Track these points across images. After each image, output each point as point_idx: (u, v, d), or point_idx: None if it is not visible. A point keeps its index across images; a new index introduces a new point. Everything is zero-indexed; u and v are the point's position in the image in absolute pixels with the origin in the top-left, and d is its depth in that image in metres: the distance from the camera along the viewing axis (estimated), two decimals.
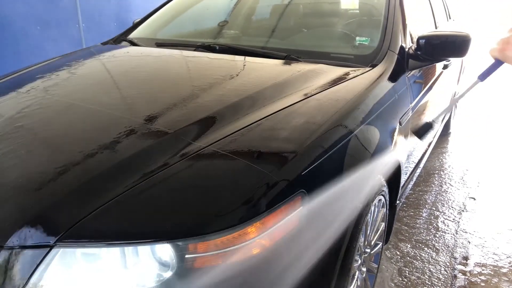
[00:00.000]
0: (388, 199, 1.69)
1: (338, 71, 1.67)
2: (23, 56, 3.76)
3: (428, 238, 2.34)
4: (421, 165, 2.57)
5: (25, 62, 3.53)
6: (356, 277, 1.50)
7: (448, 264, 2.12)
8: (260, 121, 1.24)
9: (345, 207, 1.24)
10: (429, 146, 2.72)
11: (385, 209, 1.70)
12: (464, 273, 2.06)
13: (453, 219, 2.55)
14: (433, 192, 2.90)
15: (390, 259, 2.14)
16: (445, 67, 2.60)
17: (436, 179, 3.12)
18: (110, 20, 4.57)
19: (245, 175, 1.03)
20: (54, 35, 4.01)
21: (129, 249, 0.93)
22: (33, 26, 3.82)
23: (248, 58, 1.84)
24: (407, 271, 2.05)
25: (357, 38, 1.97)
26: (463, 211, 2.65)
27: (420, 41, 1.87)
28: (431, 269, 2.08)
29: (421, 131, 1.81)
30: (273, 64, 1.77)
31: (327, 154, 1.18)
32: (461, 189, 2.95)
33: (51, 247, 0.91)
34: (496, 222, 2.53)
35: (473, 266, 2.11)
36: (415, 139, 2.01)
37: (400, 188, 1.86)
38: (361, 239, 1.43)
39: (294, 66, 1.73)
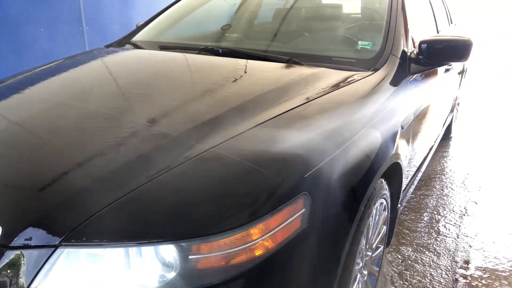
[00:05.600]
0: (389, 202, 1.70)
1: (340, 75, 1.68)
2: (26, 58, 3.78)
3: (429, 241, 2.34)
4: (423, 169, 2.57)
5: (29, 64, 3.55)
6: (357, 279, 1.50)
7: (449, 267, 2.13)
8: (263, 124, 1.25)
9: (347, 209, 1.24)
10: (430, 150, 2.73)
11: (386, 212, 1.70)
12: (465, 277, 2.06)
13: (454, 223, 2.55)
14: (434, 196, 2.90)
15: (391, 262, 2.15)
16: (447, 71, 2.61)
17: (438, 183, 3.12)
18: (113, 23, 4.60)
19: (248, 177, 1.04)
20: (57, 37, 4.03)
21: (133, 250, 0.93)
22: (37, 28, 3.84)
23: (251, 62, 1.85)
24: (408, 275, 2.06)
25: (359, 42, 1.98)
26: (464, 215, 2.65)
27: (422, 45, 1.88)
28: (432, 273, 2.08)
29: None
30: (276, 68, 1.78)
31: (329, 157, 1.19)
32: (462, 193, 2.95)
33: (55, 248, 0.92)
34: (497, 226, 2.53)
35: (474, 270, 2.11)
36: (416, 143, 2.01)
37: (402, 191, 1.87)
38: (363, 242, 1.44)
39: (297, 70, 1.74)
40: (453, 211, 2.70)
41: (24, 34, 3.74)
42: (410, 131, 1.83)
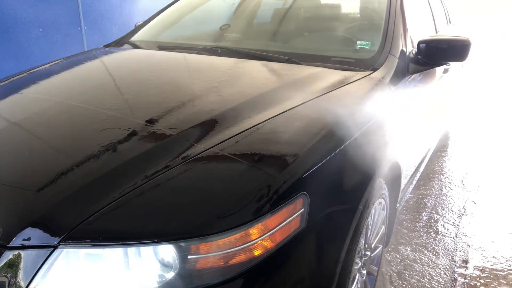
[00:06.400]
0: (388, 202, 1.70)
1: (339, 74, 1.68)
2: (25, 58, 3.78)
3: (428, 241, 2.35)
4: (421, 168, 2.57)
5: (27, 64, 3.55)
6: (356, 279, 1.50)
7: (447, 267, 2.13)
8: (261, 124, 1.25)
9: (346, 209, 1.24)
10: (429, 150, 2.73)
11: (385, 212, 1.71)
12: (463, 276, 2.07)
13: (453, 222, 2.56)
14: (433, 196, 2.91)
15: (390, 262, 2.15)
16: (445, 71, 2.61)
17: (436, 182, 3.13)
18: (111, 23, 4.59)
19: (247, 177, 1.04)
20: (56, 38, 4.03)
21: (131, 250, 0.93)
22: (35, 28, 3.84)
23: (250, 61, 1.85)
24: (407, 274, 2.06)
25: (358, 42, 1.98)
26: (463, 214, 2.65)
27: (421, 45, 1.88)
28: (431, 272, 2.08)
29: None
30: (275, 68, 1.78)
31: (328, 157, 1.19)
32: (461, 193, 2.96)
33: (54, 248, 0.92)
34: (495, 225, 2.54)
35: (473, 270, 2.12)
36: (415, 142, 2.02)
37: (401, 191, 1.87)
38: (362, 241, 1.44)
39: (295, 70, 1.74)
40: (452, 210, 2.70)
41: (22, 34, 3.74)
42: (409, 130, 1.83)
